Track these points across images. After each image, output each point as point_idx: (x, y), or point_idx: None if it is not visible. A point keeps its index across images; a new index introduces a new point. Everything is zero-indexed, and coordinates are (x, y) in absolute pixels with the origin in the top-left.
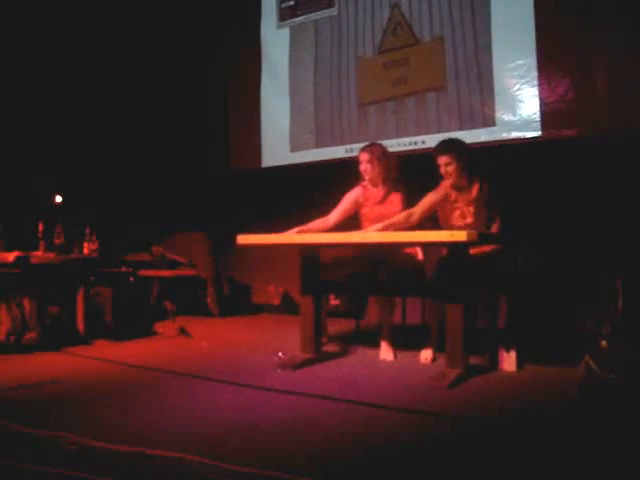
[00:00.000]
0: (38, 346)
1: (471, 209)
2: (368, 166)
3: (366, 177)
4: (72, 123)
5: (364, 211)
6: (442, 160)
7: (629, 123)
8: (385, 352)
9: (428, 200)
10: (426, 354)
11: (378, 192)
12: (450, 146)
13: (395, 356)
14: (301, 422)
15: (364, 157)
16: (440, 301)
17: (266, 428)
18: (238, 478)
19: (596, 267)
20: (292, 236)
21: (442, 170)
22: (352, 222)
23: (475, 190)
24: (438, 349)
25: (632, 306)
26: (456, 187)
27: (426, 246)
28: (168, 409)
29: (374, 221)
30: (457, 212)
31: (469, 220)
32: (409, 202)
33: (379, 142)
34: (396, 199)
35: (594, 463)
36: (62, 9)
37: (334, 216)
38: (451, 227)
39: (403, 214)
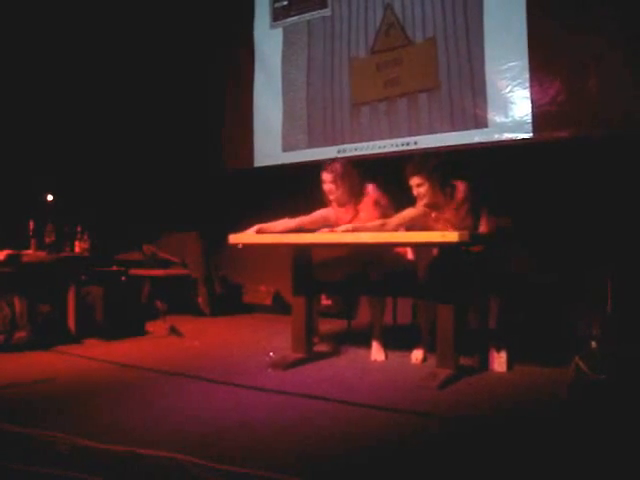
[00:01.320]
0: (29, 345)
1: (455, 221)
2: (332, 186)
3: (331, 197)
4: (64, 122)
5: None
6: (413, 182)
7: (620, 125)
8: (376, 352)
9: (406, 215)
10: (417, 354)
11: (347, 212)
12: (420, 166)
13: (386, 356)
14: (292, 422)
15: (327, 177)
16: (431, 301)
17: (257, 428)
18: (229, 478)
19: (586, 268)
20: (284, 236)
21: (414, 192)
22: None
23: (456, 201)
24: (429, 349)
25: (621, 307)
26: (433, 206)
27: (418, 247)
28: (159, 409)
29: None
30: (440, 225)
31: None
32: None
33: (371, 143)
34: (366, 206)
35: (584, 462)
36: (59, 8)
37: (298, 220)
38: None
39: (377, 222)
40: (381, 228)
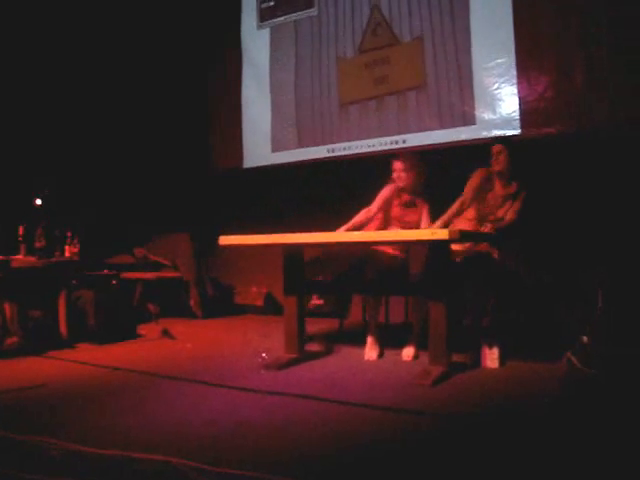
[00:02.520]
0: (20, 351)
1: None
2: (402, 174)
3: (400, 184)
4: (54, 126)
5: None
6: (396, 166)
7: (608, 120)
8: (370, 349)
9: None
10: (408, 352)
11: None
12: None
13: (381, 354)
14: (286, 422)
15: (398, 166)
16: (423, 299)
17: (252, 429)
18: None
19: (578, 265)
20: (274, 236)
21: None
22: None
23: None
24: (421, 347)
25: (612, 303)
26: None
27: (410, 245)
28: (153, 412)
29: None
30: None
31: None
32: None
33: (361, 141)
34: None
35: (577, 458)
36: (55, 9)
37: (374, 206)
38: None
39: (362, 212)
40: (367, 214)
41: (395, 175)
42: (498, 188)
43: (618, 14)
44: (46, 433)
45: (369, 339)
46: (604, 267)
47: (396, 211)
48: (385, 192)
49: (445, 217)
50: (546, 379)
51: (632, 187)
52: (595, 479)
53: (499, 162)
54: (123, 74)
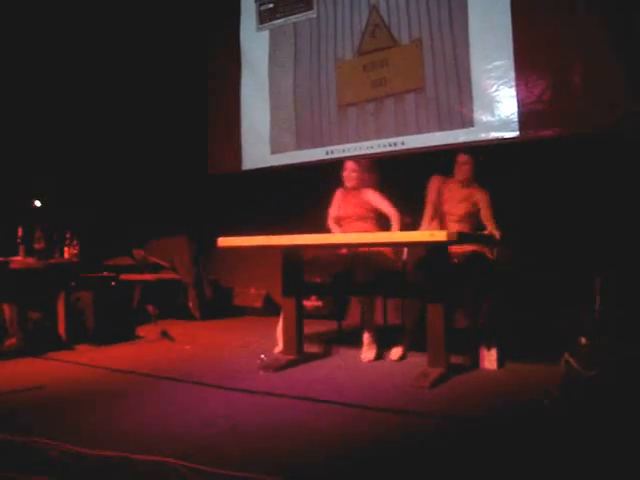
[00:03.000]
0: (19, 352)
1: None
2: (352, 175)
3: (348, 184)
4: (51, 127)
5: None
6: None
7: (606, 123)
8: (367, 350)
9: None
10: (396, 352)
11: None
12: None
13: (378, 354)
14: (284, 424)
15: (350, 166)
16: (419, 300)
17: (250, 431)
18: None
19: (575, 266)
20: (273, 238)
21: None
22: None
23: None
24: (419, 348)
25: (611, 304)
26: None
27: (409, 246)
28: (151, 413)
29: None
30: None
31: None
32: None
33: (359, 143)
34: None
35: (576, 458)
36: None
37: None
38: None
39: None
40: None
41: (345, 174)
42: (456, 190)
43: (617, 14)
44: (45, 435)
45: (365, 340)
46: (602, 268)
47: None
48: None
49: (426, 221)
50: (544, 380)
51: (629, 189)
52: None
53: (462, 172)
54: (123, 75)
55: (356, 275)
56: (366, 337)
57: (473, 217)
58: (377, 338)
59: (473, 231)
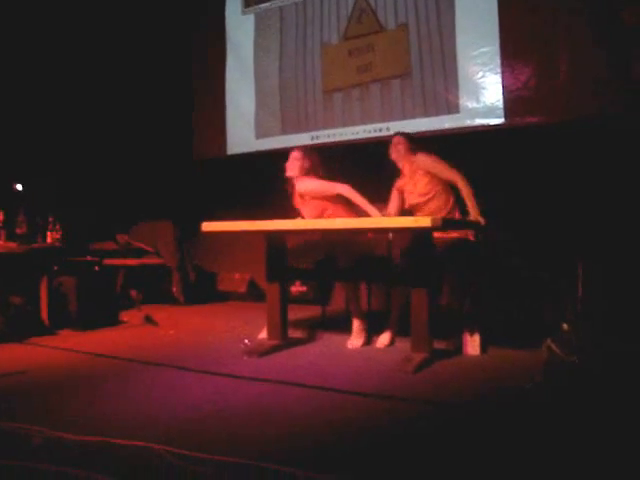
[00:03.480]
0: (1, 337)
1: None
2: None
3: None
4: (33, 110)
5: None
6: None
7: (590, 110)
8: (355, 337)
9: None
10: (383, 338)
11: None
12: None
13: (367, 341)
14: (268, 409)
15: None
16: (404, 286)
17: (234, 415)
18: (207, 466)
19: (558, 253)
20: (257, 223)
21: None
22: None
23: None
24: (402, 333)
25: (592, 290)
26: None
27: (393, 232)
28: (135, 398)
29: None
30: None
31: None
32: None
33: (344, 129)
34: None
35: (558, 443)
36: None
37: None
38: None
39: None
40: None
41: (288, 163)
42: (405, 172)
43: (601, 4)
44: (27, 420)
45: (355, 327)
46: (585, 255)
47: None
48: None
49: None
50: (527, 366)
51: (615, 177)
52: (576, 463)
53: (397, 151)
54: (107, 59)
55: (338, 261)
56: (356, 324)
57: (440, 198)
58: (366, 325)
59: (450, 214)
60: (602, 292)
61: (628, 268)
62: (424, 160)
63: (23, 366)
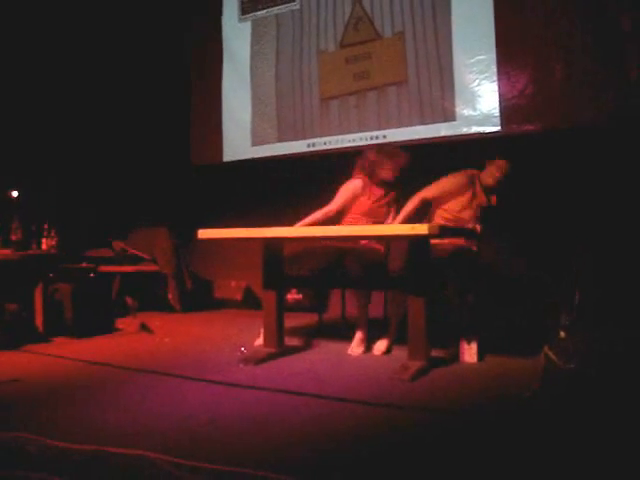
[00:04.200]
0: None
1: None
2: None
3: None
4: (29, 114)
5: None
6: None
7: (587, 117)
8: (357, 345)
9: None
10: (380, 345)
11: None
12: None
13: (367, 349)
14: (264, 417)
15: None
16: (402, 294)
17: (229, 424)
18: (202, 475)
19: (554, 260)
20: (253, 230)
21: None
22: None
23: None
24: (400, 341)
25: (589, 299)
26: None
27: (390, 239)
28: (130, 406)
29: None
30: None
31: None
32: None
33: (341, 136)
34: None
35: (555, 451)
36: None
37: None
38: None
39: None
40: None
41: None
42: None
43: (597, 11)
44: (21, 429)
45: (357, 336)
46: (582, 262)
47: (367, 205)
48: (350, 189)
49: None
50: (524, 374)
51: (612, 183)
52: (574, 470)
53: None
54: (104, 64)
55: (348, 269)
56: (358, 334)
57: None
58: (367, 335)
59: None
60: (600, 299)
61: (626, 274)
62: None
63: (17, 374)
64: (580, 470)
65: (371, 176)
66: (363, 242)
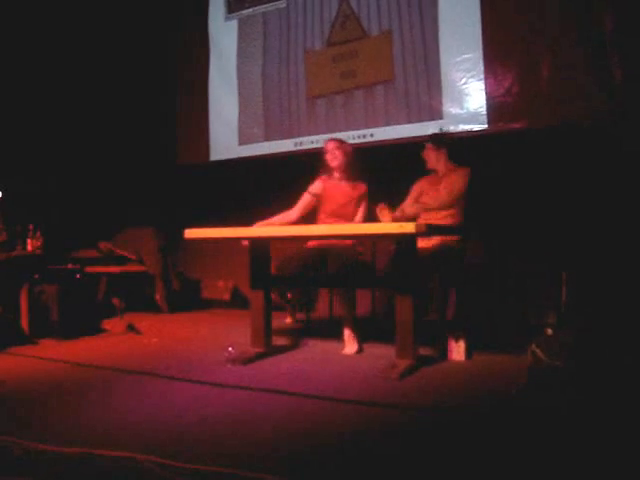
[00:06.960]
0: None
1: None
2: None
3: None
4: (13, 115)
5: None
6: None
7: (573, 116)
8: (348, 344)
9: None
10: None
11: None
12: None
13: (360, 349)
14: (252, 417)
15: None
16: (390, 292)
17: (217, 424)
18: (190, 475)
19: (542, 258)
20: (240, 230)
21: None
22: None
23: None
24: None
25: (575, 296)
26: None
27: (377, 238)
28: (118, 408)
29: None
30: None
31: None
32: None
33: (328, 135)
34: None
35: (542, 447)
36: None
37: (296, 211)
38: None
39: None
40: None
41: (329, 156)
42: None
43: (583, 10)
44: (7, 432)
45: (346, 336)
46: (569, 260)
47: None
48: (308, 193)
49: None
50: (512, 371)
51: (598, 182)
52: (560, 468)
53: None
54: (86, 62)
55: (329, 268)
56: (347, 333)
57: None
58: (357, 332)
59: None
60: (586, 297)
61: (613, 273)
62: None
63: (2, 376)
64: (567, 467)
65: (328, 171)
66: (347, 242)
